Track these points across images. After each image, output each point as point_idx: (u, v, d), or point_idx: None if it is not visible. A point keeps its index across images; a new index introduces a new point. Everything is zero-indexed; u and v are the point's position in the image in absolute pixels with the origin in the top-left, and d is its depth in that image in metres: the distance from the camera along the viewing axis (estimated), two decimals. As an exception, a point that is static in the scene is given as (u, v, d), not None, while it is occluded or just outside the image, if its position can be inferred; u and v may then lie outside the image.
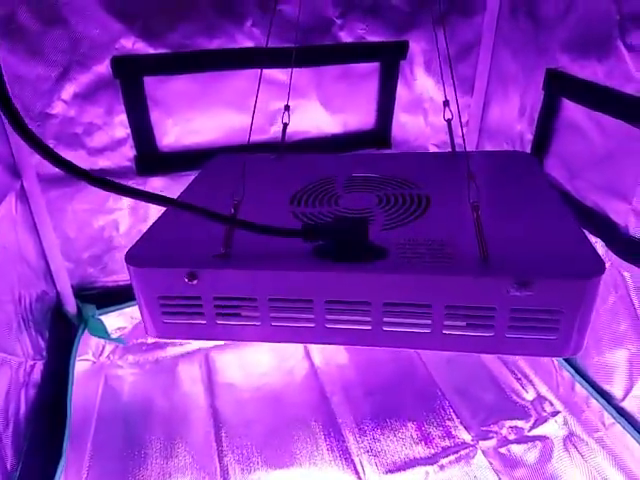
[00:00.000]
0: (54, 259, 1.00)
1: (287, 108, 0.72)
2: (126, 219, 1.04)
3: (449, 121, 0.69)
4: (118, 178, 0.98)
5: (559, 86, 0.91)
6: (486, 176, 0.57)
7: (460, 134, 0.59)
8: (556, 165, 0.90)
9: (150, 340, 1.17)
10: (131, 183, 0.99)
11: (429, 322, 0.50)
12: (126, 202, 1.01)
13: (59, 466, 0.77)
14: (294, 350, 1.21)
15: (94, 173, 0.96)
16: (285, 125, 0.72)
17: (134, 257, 0.54)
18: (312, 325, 0.52)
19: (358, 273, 0.49)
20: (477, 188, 0.50)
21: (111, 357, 1.14)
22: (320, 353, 1.19)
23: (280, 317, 0.53)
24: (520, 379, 1.08)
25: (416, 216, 0.59)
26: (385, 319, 0.51)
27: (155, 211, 1.01)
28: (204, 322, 0.53)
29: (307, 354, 1.19)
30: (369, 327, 0.51)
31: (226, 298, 0.52)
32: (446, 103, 0.68)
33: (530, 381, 1.06)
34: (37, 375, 0.84)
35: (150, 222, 0.60)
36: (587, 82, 0.84)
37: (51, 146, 0.91)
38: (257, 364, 1.17)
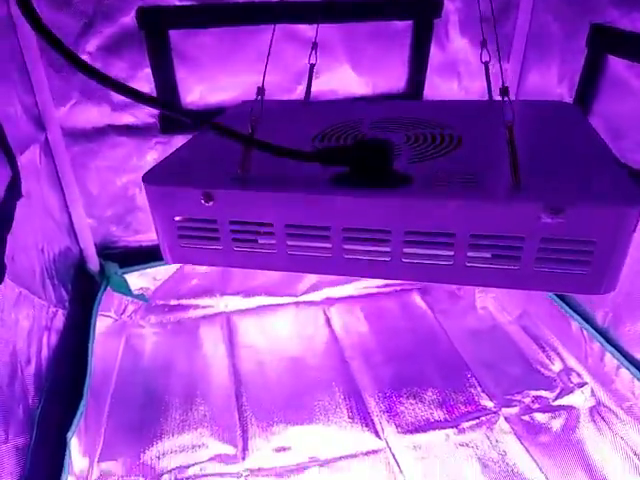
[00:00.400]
0: (77, 215, 1.01)
1: (315, 46, 0.70)
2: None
3: (487, 63, 0.66)
4: (142, 135, 0.98)
5: (605, 42, 0.86)
6: (525, 119, 0.54)
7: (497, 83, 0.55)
8: (599, 126, 0.85)
9: (173, 302, 1.18)
10: (154, 141, 0.99)
11: (452, 253, 0.48)
12: (150, 158, 1.01)
13: (79, 409, 0.78)
14: (315, 317, 1.20)
15: (118, 129, 0.97)
16: (312, 66, 0.70)
17: (151, 177, 0.53)
18: (329, 255, 0.51)
19: (379, 198, 0.47)
20: (512, 109, 0.47)
21: (133, 317, 1.15)
22: (340, 320, 1.18)
23: (297, 245, 0.51)
24: (547, 351, 1.04)
25: (446, 152, 0.56)
26: (405, 249, 0.48)
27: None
28: (220, 247, 0.52)
29: (327, 321, 1.18)
30: (388, 258, 0.49)
31: (242, 223, 0.51)
32: (484, 43, 0.65)
33: (557, 353, 1.02)
34: (59, 323, 0.85)
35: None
36: (638, 35, 0.79)
37: (74, 101, 0.93)
38: (278, 329, 1.17)
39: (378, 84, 1.04)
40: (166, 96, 0.95)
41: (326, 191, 0.49)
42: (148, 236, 1.10)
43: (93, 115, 0.93)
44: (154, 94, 0.95)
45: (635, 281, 0.85)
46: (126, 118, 0.96)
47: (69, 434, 0.73)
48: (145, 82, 0.93)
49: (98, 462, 0.84)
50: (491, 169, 0.53)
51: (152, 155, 1.01)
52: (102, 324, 1.03)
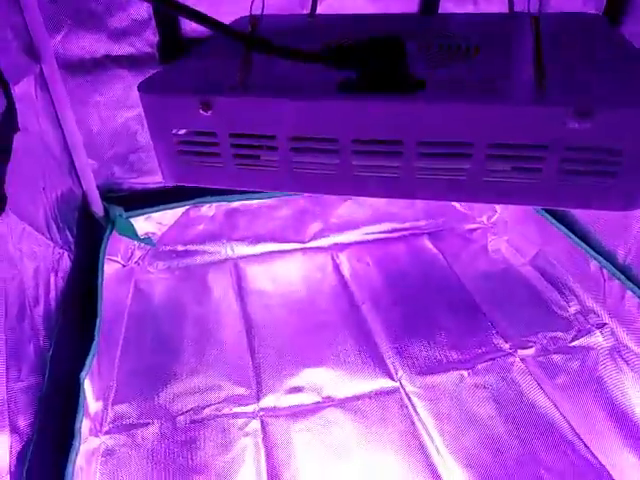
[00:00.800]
0: (78, 155, 0.96)
1: None
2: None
3: None
4: (141, 67, 0.92)
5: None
6: (550, 28, 0.49)
7: None
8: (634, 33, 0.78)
9: (180, 248, 1.15)
10: (152, 72, 0.93)
11: (469, 166, 0.44)
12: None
13: (91, 351, 0.76)
14: (323, 263, 1.17)
15: (115, 60, 0.91)
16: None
17: (147, 85, 0.49)
18: (337, 172, 0.47)
19: (391, 104, 0.43)
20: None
21: (140, 262, 1.12)
22: (349, 266, 1.15)
23: (302, 161, 0.47)
24: (564, 292, 1.02)
25: (463, 60, 0.51)
26: (419, 163, 0.44)
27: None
28: (220, 164, 0.48)
29: (336, 267, 1.15)
30: (401, 173, 0.45)
31: (243, 135, 0.47)
32: None
33: (575, 294, 1.00)
34: (66, 265, 0.82)
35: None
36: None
37: (67, 29, 0.86)
38: (286, 275, 1.14)
39: (389, 5, 0.97)
40: (165, 23, 0.88)
41: (334, 97, 0.44)
42: (153, 178, 1.05)
43: (89, 44, 0.87)
44: (153, 22, 0.88)
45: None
46: (124, 48, 0.89)
47: (82, 374, 0.71)
48: (143, 7, 0.86)
49: (112, 405, 0.83)
50: (512, 75, 0.48)
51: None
52: (109, 269, 1.01)
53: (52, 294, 0.74)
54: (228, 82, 0.47)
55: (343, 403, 0.84)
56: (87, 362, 0.74)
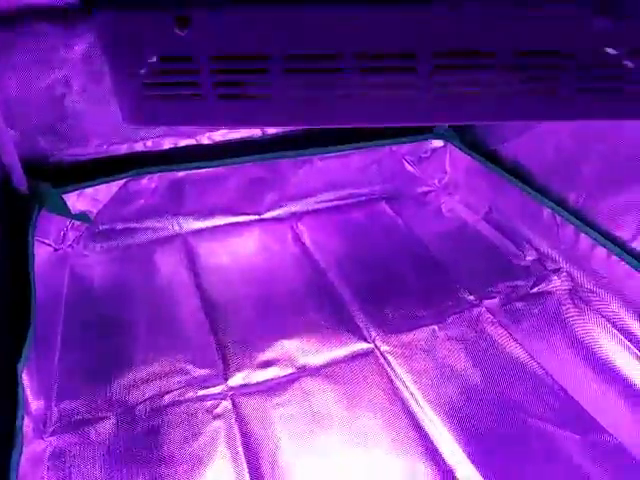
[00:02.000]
0: (-5, 123, 0.81)
1: None
2: (80, 74, 0.85)
3: None
4: (66, 20, 0.79)
5: None
6: None
7: None
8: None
9: (119, 226, 1.02)
10: (82, 27, 0.80)
11: (489, 76, 0.39)
12: (78, 50, 0.82)
13: (27, 339, 0.64)
14: (283, 233, 1.09)
15: (37, 13, 0.77)
16: None
17: (104, 1, 0.38)
18: (340, 96, 0.40)
19: (402, 7, 0.37)
20: None
21: (75, 245, 0.98)
22: (310, 234, 1.08)
23: (297, 84, 0.39)
24: (519, 242, 1.01)
25: None
26: (434, 78, 0.39)
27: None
28: (198, 96, 0.40)
29: (296, 237, 1.08)
30: (414, 91, 0.39)
31: (228, 58, 0.38)
32: None
33: (530, 243, 1.00)
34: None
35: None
36: None
37: None
38: (243, 249, 1.05)
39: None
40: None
41: (338, 5, 0.37)
42: (84, 149, 0.92)
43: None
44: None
45: (617, 150, 0.82)
46: (44, -3, 0.76)
47: (20, 365, 0.59)
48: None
49: (57, 402, 0.71)
50: None
51: (81, 45, 0.81)
52: (40, 253, 0.86)
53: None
54: None
55: (319, 371, 0.78)
56: (24, 352, 0.61)
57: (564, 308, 0.87)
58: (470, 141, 1.15)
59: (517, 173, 1.03)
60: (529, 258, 0.98)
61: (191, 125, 0.43)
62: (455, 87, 0.40)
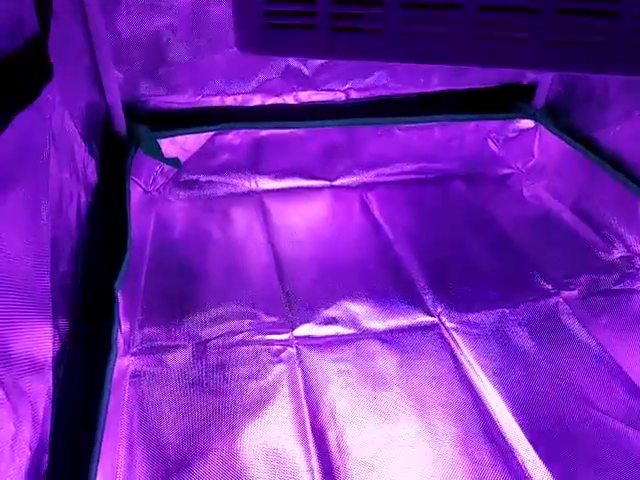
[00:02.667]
0: (104, 64, 0.89)
1: None
2: (186, 22, 0.91)
3: None
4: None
5: None
6: None
7: None
8: None
9: (203, 178, 1.10)
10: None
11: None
12: (186, -1, 0.88)
13: (124, 264, 0.72)
14: (352, 203, 1.12)
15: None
16: None
17: None
18: (456, 30, 0.41)
19: None
20: None
21: (162, 191, 1.06)
22: (380, 205, 1.10)
23: (413, 18, 0.41)
24: (608, 236, 0.98)
25: None
26: (555, 19, 0.39)
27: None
28: (314, 27, 0.42)
29: (366, 206, 1.10)
30: (528, 33, 0.40)
31: None
32: None
33: (620, 238, 0.96)
34: (93, 174, 0.77)
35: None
36: None
37: None
38: (313, 212, 1.10)
39: None
40: None
41: None
42: (179, 97, 0.99)
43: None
44: None
45: None
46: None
47: (116, 285, 0.67)
48: None
49: (139, 328, 0.80)
50: None
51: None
52: (132, 193, 0.95)
53: (82, 200, 0.69)
54: None
55: (381, 335, 0.81)
56: (120, 275, 0.69)
57: (649, 308, 0.85)
58: (565, 124, 1.11)
59: (615, 163, 0.99)
60: (617, 254, 0.95)
61: (304, 56, 0.46)
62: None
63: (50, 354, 0.48)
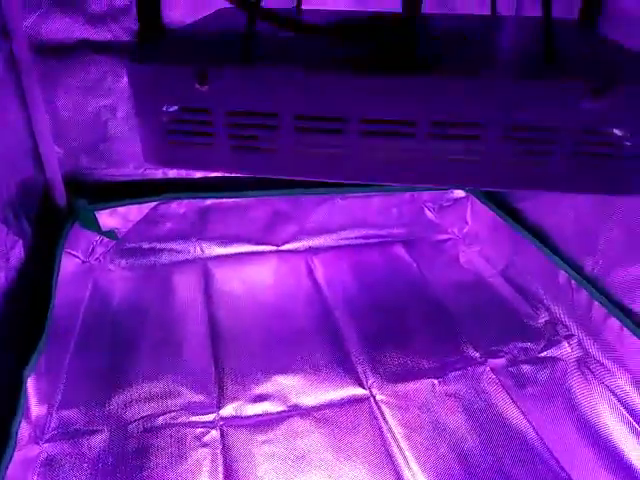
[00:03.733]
0: (44, 141, 0.86)
1: None
2: (125, 103, 0.90)
3: None
4: (118, 54, 0.84)
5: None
6: (533, 31, 0.46)
7: None
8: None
9: (145, 245, 1.06)
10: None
11: (482, 148, 0.39)
12: (125, 82, 0.87)
13: (38, 346, 0.66)
14: (297, 266, 1.10)
15: (91, 45, 0.83)
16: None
17: (136, 56, 0.42)
18: (344, 154, 0.41)
19: (402, 80, 0.38)
20: None
21: (101, 260, 1.02)
22: (323, 270, 1.08)
23: (305, 142, 0.41)
24: (533, 302, 0.98)
25: (465, 44, 0.47)
26: (431, 145, 0.39)
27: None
28: (214, 145, 0.42)
29: (310, 271, 1.08)
30: (411, 156, 0.40)
31: (242, 113, 0.40)
32: None
33: (544, 304, 0.96)
34: (19, 253, 0.73)
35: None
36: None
37: (44, 9, 0.79)
38: (258, 277, 1.07)
39: (370, 8, 0.93)
40: (146, 11, 0.81)
41: (344, 73, 0.39)
42: (122, 170, 0.97)
43: (65, 27, 0.79)
44: (134, 8, 0.81)
45: (630, 225, 0.79)
46: (102, 33, 0.82)
47: (26, 372, 0.62)
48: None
49: (57, 410, 0.73)
50: (520, 57, 0.46)
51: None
52: (68, 264, 0.91)
53: (0, 283, 0.64)
54: (228, 54, 0.41)
55: (310, 412, 0.77)
56: (32, 359, 0.64)
57: (571, 377, 0.83)
58: (492, 195, 1.13)
59: (536, 233, 1.00)
60: (542, 320, 0.94)
61: (205, 170, 0.46)
62: (450, 154, 0.41)
63: None
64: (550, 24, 0.37)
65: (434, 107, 0.39)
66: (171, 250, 1.07)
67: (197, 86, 0.39)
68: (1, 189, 0.69)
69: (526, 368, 0.85)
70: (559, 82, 0.37)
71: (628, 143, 0.38)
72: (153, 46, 0.48)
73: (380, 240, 1.18)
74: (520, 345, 0.89)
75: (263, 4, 0.43)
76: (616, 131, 0.38)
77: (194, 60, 0.41)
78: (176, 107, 0.43)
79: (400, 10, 0.94)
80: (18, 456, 0.60)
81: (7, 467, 0.56)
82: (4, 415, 0.59)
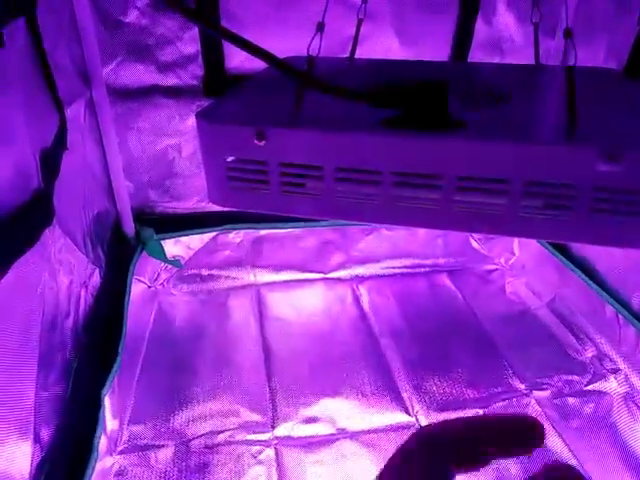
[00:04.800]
0: (117, 177, 0.96)
1: (365, 0, 0.66)
2: (190, 143, 1.00)
3: (537, 25, 0.61)
4: (185, 98, 0.94)
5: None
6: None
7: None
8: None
9: (204, 272, 1.14)
10: (197, 104, 0.95)
11: (504, 202, 0.44)
12: (192, 121, 0.97)
13: (113, 368, 0.74)
14: (343, 294, 1.15)
15: (162, 90, 0.93)
16: (360, 21, 0.66)
17: (205, 114, 0.50)
18: (378, 201, 0.47)
19: (432, 141, 0.43)
20: (575, 51, 0.43)
21: (165, 284, 1.11)
22: (369, 298, 1.13)
23: (345, 191, 0.47)
24: (579, 336, 0.98)
25: (497, 104, 0.52)
26: (457, 197, 0.44)
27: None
28: (268, 191, 0.49)
29: (356, 298, 1.13)
30: (439, 206, 0.45)
31: (292, 165, 0.47)
32: (535, 1, 0.60)
33: (590, 338, 0.97)
34: (96, 282, 0.81)
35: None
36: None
37: (121, 58, 0.89)
38: (307, 304, 1.12)
39: (421, 55, 0.99)
40: (211, 59, 0.91)
41: (379, 133, 0.45)
42: (185, 203, 1.06)
43: (138, 74, 0.89)
44: (200, 57, 0.90)
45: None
46: (170, 79, 0.92)
47: (104, 391, 0.69)
48: (192, 43, 0.89)
49: (128, 424, 0.80)
50: (544, 119, 0.51)
51: (194, 119, 0.95)
52: (135, 289, 0.99)
53: (81, 309, 0.73)
54: (281, 115, 0.48)
55: (358, 436, 0.80)
56: (108, 380, 0.71)
57: (617, 412, 0.83)
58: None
59: (583, 266, 1.01)
60: (588, 354, 0.95)
61: (260, 211, 0.52)
62: (474, 206, 0.45)
63: (28, 470, 0.49)
64: (573, 103, 0.42)
65: (460, 164, 0.43)
66: (227, 276, 1.15)
67: (256, 142, 0.46)
68: (82, 221, 0.79)
69: (571, 401, 0.86)
70: (577, 147, 0.41)
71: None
72: (219, 104, 0.55)
73: (426, 270, 1.21)
74: (565, 378, 0.90)
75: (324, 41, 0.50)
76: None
77: (254, 120, 0.48)
78: (236, 158, 0.50)
79: (447, 57, 1.00)
80: (98, 466, 0.67)
81: (91, 476, 0.63)
82: (87, 430, 0.66)
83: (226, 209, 1.10)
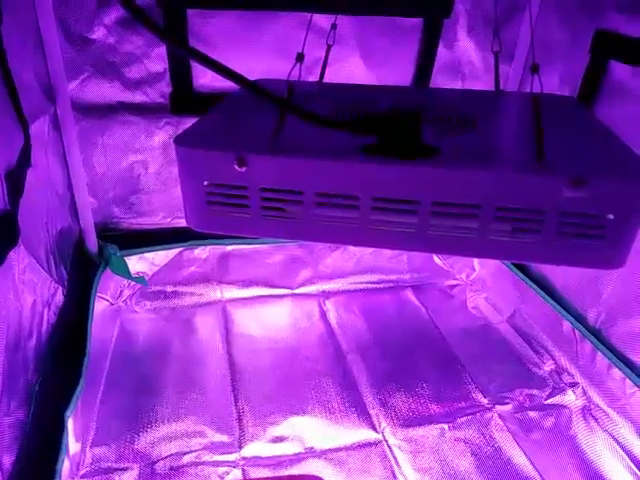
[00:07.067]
0: (80, 193, 0.96)
1: (334, 27, 0.70)
2: (157, 159, 1.01)
3: (497, 53, 0.66)
4: (152, 115, 0.95)
5: (608, 48, 0.87)
6: (529, 108, 0.55)
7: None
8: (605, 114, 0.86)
9: (169, 289, 1.14)
10: (164, 121, 0.96)
11: (476, 226, 0.48)
12: (158, 139, 0.98)
13: (77, 389, 0.74)
14: (310, 310, 1.18)
15: (128, 107, 0.94)
16: (329, 47, 0.70)
17: (183, 139, 0.52)
18: (357, 225, 0.50)
19: (409, 167, 0.47)
20: (540, 85, 0.48)
21: (128, 302, 1.10)
22: (336, 314, 1.16)
23: (325, 214, 0.50)
24: (538, 350, 1.04)
25: (465, 129, 0.56)
26: (432, 221, 0.48)
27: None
28: (248, 215, 0.51)
29: (323, 314, 1.16)
30: (415, 229, 0.49)
31: (273, 190, 0.50)
32: (496, 32, 0.65)
33: (549, 352, 1.03)
34: (59, 300, 0.81)
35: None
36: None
37: (86, 75, 0.90)
38: (274, 320, 1.14)
39: (385, 78, 1.04)
40: (179, 77, 0.93)
41: (357, 160, 0.48)
42: (150, 219, 1.07)
43: (104, 91, 0.90)
44: (167, 75, 0.92)
45: (628, 280, 0.86)
46: (137, 96, 0.93)
47: (67, 412, 0.69)
48: (159, 61, 0.90)
49: (90, 447, 0.80)
50: (511, 146, 0.55)
51: (161, 136, 0.98)
52: (98, 307, 0.99)
53: (44, 328, 0.72)
54: (262, 141, 0.49)
55: (326, 454, 0.83)
56: (72, 401, 0.71)
57: (575, 424, 0.89)
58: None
59: (542, 283, 1.07)
60: (547, 368, 1.01)
61: (239, 234, 0.54)
62: (448, 229, 0.49)
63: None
64: (540, 131, 0.46)
65: (435, 190, 0.47)
66: (192, 293, 1.16)
67: (236, 167, 0.48)
68: (45, 239, 0.78)
69: (532, 414, 0.91)
70: (544, 176, 0.45)
71: (604, 225, 0.46)
72: (197, 127, 0.57)
73: (391, 285, 1.26)
74: (526, 392, 0.95)
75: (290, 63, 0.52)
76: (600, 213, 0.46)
77: (234, 145, 0.50)
78: (216, 183, 0.51)
79: (409, 80, 1.05)
80: (59, 491, 0.67)
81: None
82: (49, 454, 0.66)
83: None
